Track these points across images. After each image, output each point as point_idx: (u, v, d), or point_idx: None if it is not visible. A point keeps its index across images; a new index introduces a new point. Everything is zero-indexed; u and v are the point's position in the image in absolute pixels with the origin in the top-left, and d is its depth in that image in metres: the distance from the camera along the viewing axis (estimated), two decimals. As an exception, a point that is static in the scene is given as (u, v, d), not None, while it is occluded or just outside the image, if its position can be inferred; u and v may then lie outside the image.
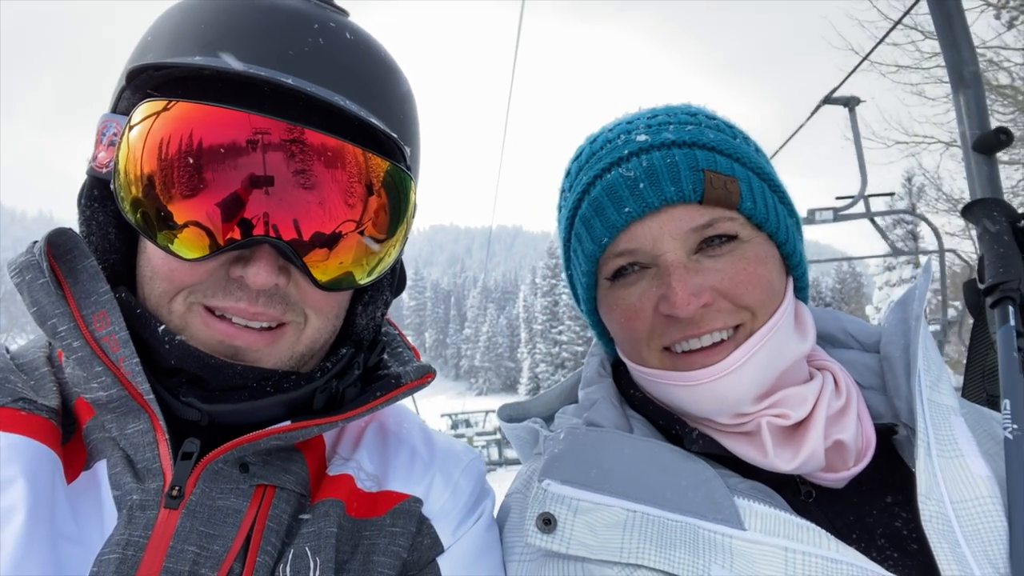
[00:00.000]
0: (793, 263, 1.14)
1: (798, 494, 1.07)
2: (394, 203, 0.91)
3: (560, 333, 69.00)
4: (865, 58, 7.48)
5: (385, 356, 1.09)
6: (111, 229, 0.93)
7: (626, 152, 1.08)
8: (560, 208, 1.23)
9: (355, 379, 1.00)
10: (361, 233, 0.89)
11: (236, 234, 0.82)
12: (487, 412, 44.54)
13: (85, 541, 0.77)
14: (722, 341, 1.05)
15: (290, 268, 0.87)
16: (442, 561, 0.96)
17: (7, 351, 0.95)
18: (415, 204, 0.97)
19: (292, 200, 0.82)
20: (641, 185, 1.05)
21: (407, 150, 0.93)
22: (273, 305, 0.88)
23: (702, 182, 1.03)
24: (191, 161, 0.80)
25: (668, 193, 1.03)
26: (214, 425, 0.88)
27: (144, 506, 0.79)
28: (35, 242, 0.87)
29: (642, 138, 1.09)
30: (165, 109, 0.81)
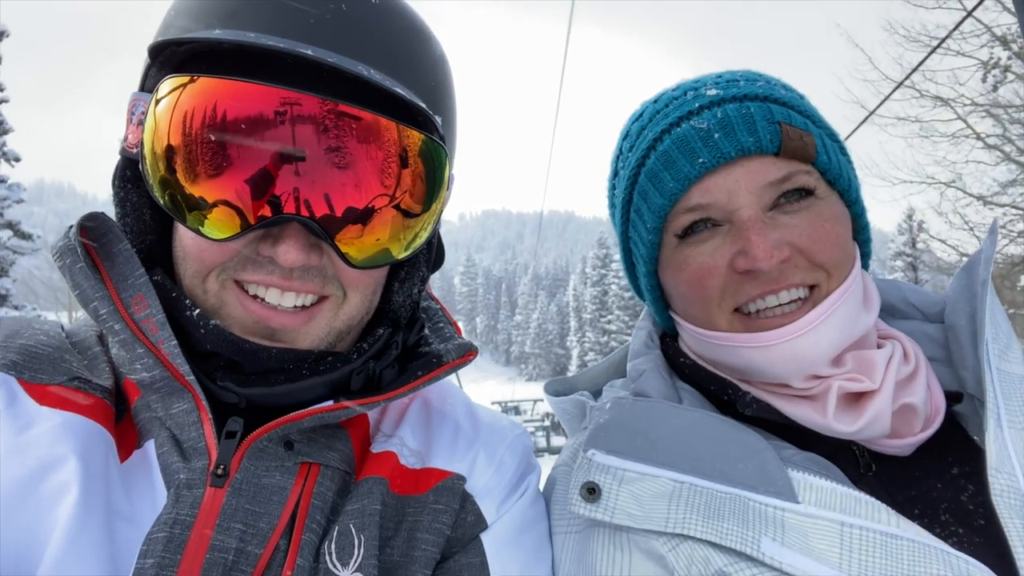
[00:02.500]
0: (860, 226, 1.12)
1: (857, 467, 1.03)
2: (426, 175, 0.89)
3: (609, 322, 69.57)
4: (870, 115, 8.34)
5: (426, 332, 1.07)
6: (145, 210, 0.93)
7: (696, 106, 1.06)
8: (617, 171, 1.20)
9: (393, 359, 0.99)
10: (396, 208, 0.87)
11: (265, 212, 0.81)
12: (535, 401, 45.48)
13: (137, 519, 0.78)
14: (798, 300, 1.02)
15: (322, 245, 0.86)
16: (485, 537, 0.95)
17: (62, 329, 0.96)
18: (450, 175, 0.93)
19: (320, 176, 0.81)
20: (716, 136, 1.02)
21: (438, 119, 0.90)
22: (310, 279, 0.87)
23: (779, 134, 1.01)
24: (213, 138, 0.79)
25: (745, 143, 1.01)
26: (255, 406, 0.88)
27: (190, 485, 0.80)
28: (71, 226, 0.87)
29: (713, 92, 1.07)
30: (184, 86, 0.80)
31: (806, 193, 1.04)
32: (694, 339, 1.15)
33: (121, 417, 0.86)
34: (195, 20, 0.85)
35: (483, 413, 1.12)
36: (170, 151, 0.81)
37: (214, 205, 0.81)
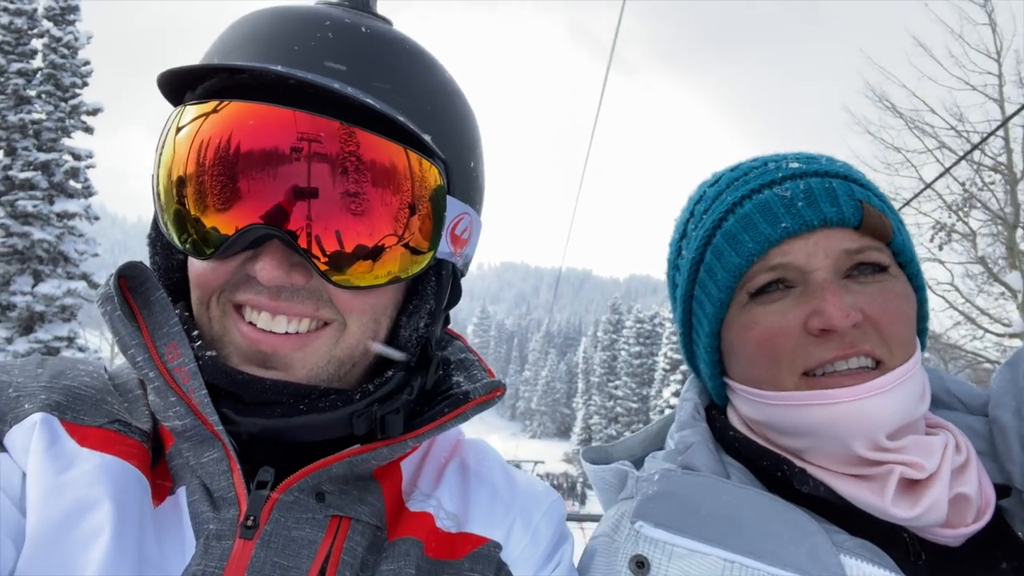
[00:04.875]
0: (922, 314, 1.13)
1: (907, 555, 1.01)
2: (412, 187, 0.85)
3: (616, 388, 70.53)
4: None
5: (460, 378, 1.04)
6: (173, 249, 0.96)
7: (779, 176, 1.09)
8: (687, 232, 1.21)
9: (401, 404, 0.92)
10: (383, 229, 0.85)
11: (240, 226, 0.81)
12: (535, 463, 46.14)
13: (166, 567, 0.77)
14: (866, 369, 1.01)
15: (306, 264, 0.83)
16: None
17: (105, 370, 0.97)
18: (440, 196, 0.88)
19: (300, 191, 0.80)
20: (799, 204, 1.05)
21: (426, 137, 0.86)
22: (299, 301, 0.85)
23: (860, 210, 1.04)
24: (194, 161, 0.81)
25: (828, 213, 1.03)
26: (277, 448, 0.87)
27: (220, 536, 0.79)
28: (112, 274, 0.88)
29: (795, 165, 1.10)
30: (176, 114, 0.85)
31: (879, 269, 1.05)
32: (751, 404, 1.12)
33: (157, 461, 0.87)
34: (203, 59, 0.90)
35: (519, 477, 1.08)
36: (161, 179, 0.85)
37: (202, 226, 0.83)
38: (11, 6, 18.90)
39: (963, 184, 15.48)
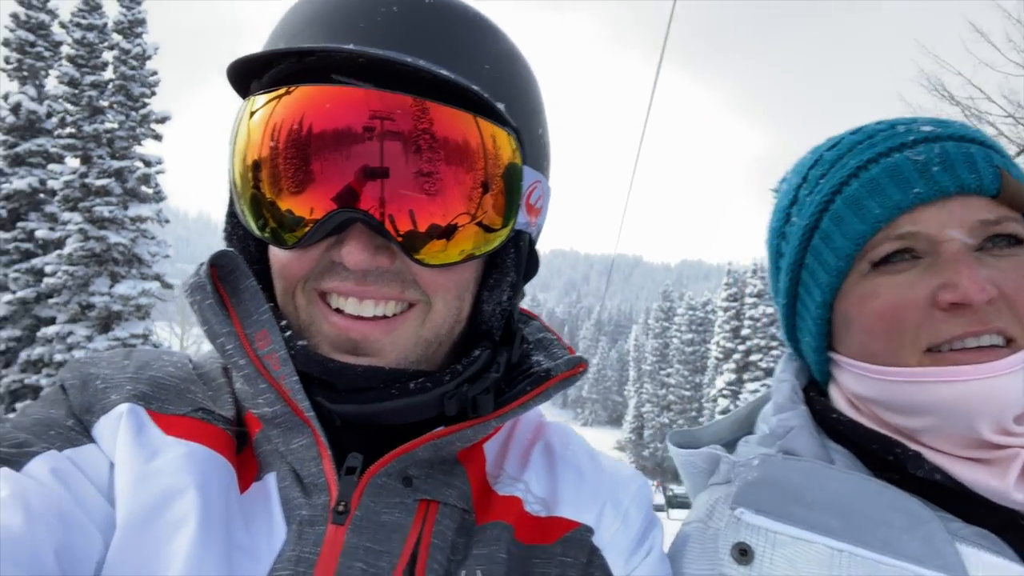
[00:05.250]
0: None
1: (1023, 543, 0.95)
2: (486, 159, 0.83)
3: (668, 375, 70.22)
4: None
5: (539, 357, 1.01)
6: (250, 241, 0.95)
7: (911, 139, 1.02)
8: (798, 198, 1.13)
9: (491, 383, 0.92)
10: (463, 199, 0.83)
11: (322, 213, 0.80)
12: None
13: (255, 552, 0.78)
14: (996, 347, 0.94)
15: (391, 246, 0.82)
16: None
17: (190, 361, 0.98)
18: (517, 166, 0.86)
19: (381, 171, 0.79)
20: (934, 169, 0.98)
21: (499, 106, 0.84)
22: (385, 284, 0.84)
23: (999, 178, 0.97)
24: (271, 150, 0.81)
25: (966, 180, 0.97)
26: (364, 433, 0.87)
27: (313, 522, 0.80)
28: (202, 264, 0.89)
29: (928, 128, 1.03)
30: (247, 104, 0.84)
31: (1016, 242, 0.98)
32: (863, 381, 1.05)
33: (242, 448, 0.87)
34: (267, 46, 0.89)
35: (605, 460, 1.05)
36: (236, 168, 0.85)
37: (284, 214, 0.82)
38: (83, 21, 19.98)
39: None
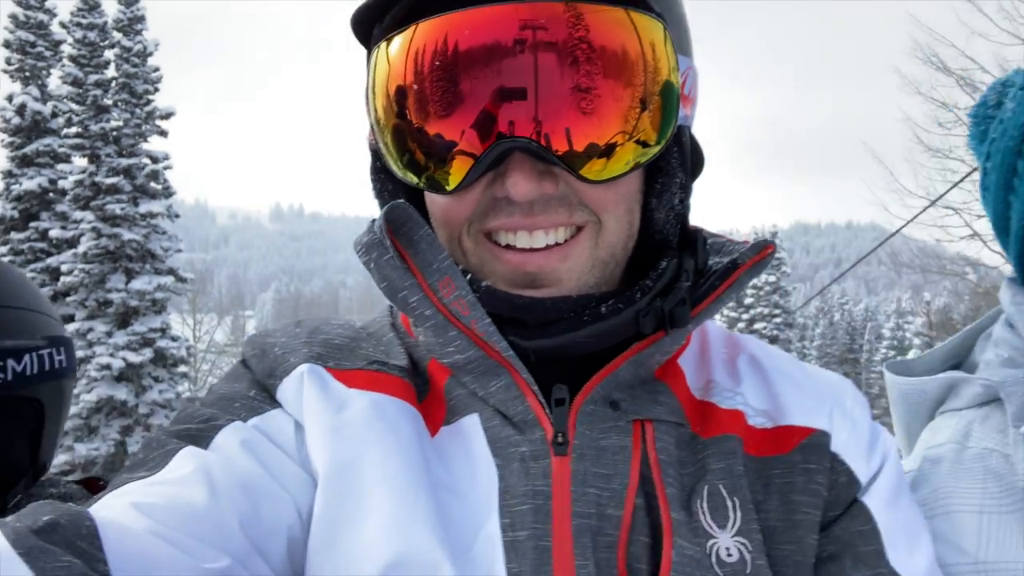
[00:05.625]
0: None
1: None
2: (645, 62, 0.78)
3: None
4: (892, 235, 10.71)
5: (718, 259, 0.94)
6: (400, 196, 0.92)
7: None
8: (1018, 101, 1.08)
9: (685, 293, 0.86)
10: (624, 103, 0.78)
11: (479, 148, 0.78)
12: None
13: (458, 490, 0.79)
14: None
15: (552, 170, 0.79)
16: (868, 500, 0.86)
17: (355, 324, 1.00)
18: (671, 58, 0.81)
19: (535, 92, 0.75)
20: None
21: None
22: (552, 211, 0.81)
23: None
24: (416, 95, 0.79)
25: None
26: (559, 365, 0.84)
27: (535, 456, 0.79)
28: (373, 220, 0.88)
29: None
30: (380, 50, 0.82)
31: None
32: None
33: (423, 396, 0.88)
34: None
35: (809, 367, 1.01)
36: (382, 121, 0.84)
37: (439, 157, 0.81)
38: (84, 21, 20.11)
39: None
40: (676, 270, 0.90)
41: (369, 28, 0.86)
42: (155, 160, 20.59)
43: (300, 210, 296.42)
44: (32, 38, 20.73)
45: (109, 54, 20.47)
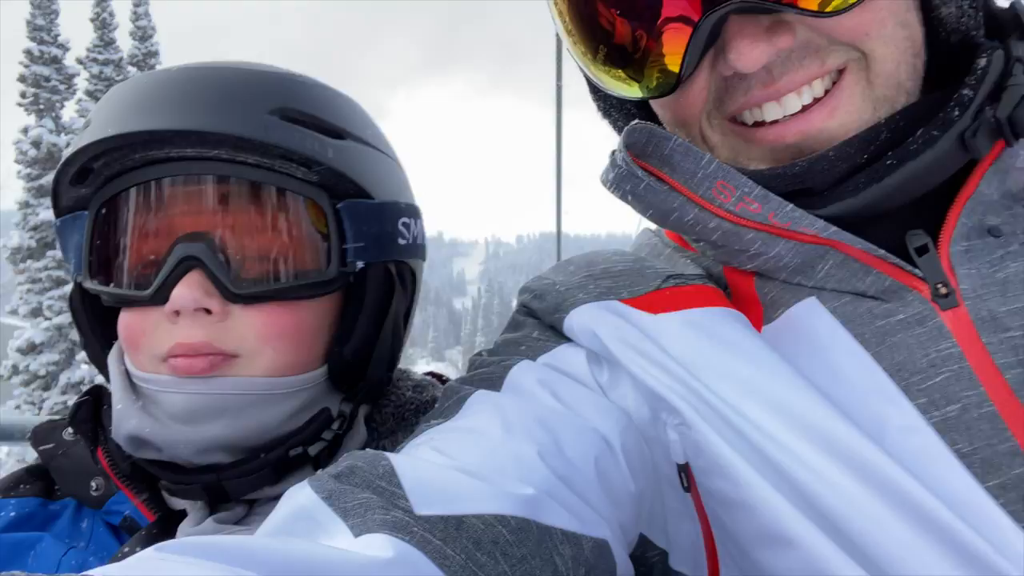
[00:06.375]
0: None
1: None
2: None
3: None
4: None
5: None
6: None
7: None
8: None
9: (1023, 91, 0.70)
10: None
11: (690, 28, 0.70)
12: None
13: (818, 387, 0.67)
14: None
15: (781, 17, 0.68)
16: None
17: (624, 249, 0.92)
18: None
19: None
20: None
21: None
22: (798, 65, 0.70)
23: None
24: (605, 15, 0.76)
25: None
26: (893, 217, 0.71)
27: (922, 320, 0.67)
28: (613, 151, 0.80)
29: None
30: None
31: None
32: None
33: (729, 299, 0.79)
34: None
35: None
36: (585, 52, 0.81)
37: (654, 58, 0.75)
38: (99, 57, 20.79)
39: None
40: (1004, 63, 0.72)
41: None
42: (169, 189, 21.14)
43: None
44: (47, 72, 21.38)
45: (124, 88, 21.09)
